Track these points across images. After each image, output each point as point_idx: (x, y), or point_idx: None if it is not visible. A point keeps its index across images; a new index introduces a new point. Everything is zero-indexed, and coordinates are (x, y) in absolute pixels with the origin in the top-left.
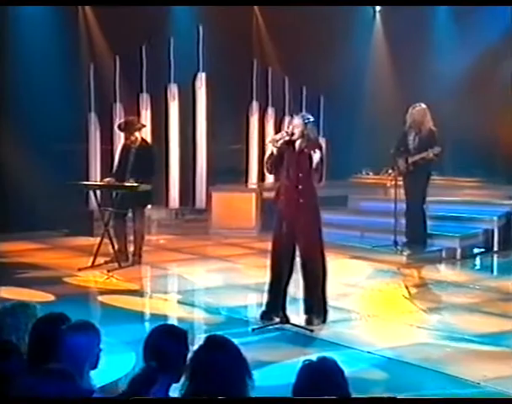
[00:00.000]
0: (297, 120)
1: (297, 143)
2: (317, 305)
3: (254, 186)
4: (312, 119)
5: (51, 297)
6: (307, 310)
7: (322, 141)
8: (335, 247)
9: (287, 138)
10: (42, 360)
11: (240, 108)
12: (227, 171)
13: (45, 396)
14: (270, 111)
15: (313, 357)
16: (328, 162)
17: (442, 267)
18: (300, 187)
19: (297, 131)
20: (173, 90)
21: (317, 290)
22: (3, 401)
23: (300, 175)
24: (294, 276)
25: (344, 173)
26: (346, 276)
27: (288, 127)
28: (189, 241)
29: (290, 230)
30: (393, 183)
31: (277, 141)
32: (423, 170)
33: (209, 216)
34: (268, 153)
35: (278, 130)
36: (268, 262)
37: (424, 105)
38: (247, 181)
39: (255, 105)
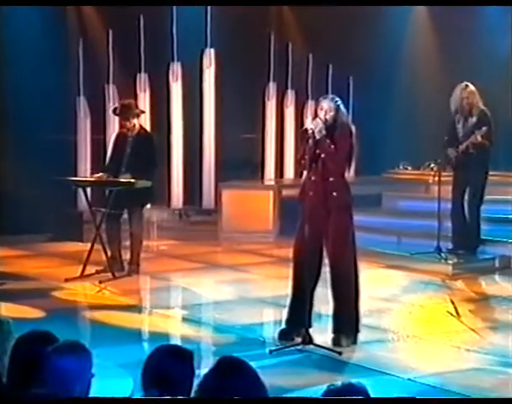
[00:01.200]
0: (327, 103)
1: (329, 129)
2: (347, 323)
3: (272, 182)
4: (340, 101)
5: (35, 313)
6: (336, 329)
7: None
8: (368, 255)
9: (324, 126)
10: (24, 386)
11: (255, 91)
12: (240, 165)
13: None
14: (290, 94)
15: (340, 382)
16: (358, 154)
17: (495, 278)
18: (331, 179)
19: (330, 117)
20: (177, 69)
21: (348, 305)
22: (3, 402)
23: (330, 166)
24: (320, 288)
25: (377, 168)
26: (381, 289)
27: (316, 113)
28: (196, 247)
29: (316, 232)
30: (436, 178)
31: (319, 132)
32: (479, 162)
33: (219, 218)
34: (302, 147)
35: (300, 116)
36: (289, 271)
37: (471, 85)
38: (263, 176)
39: (273, 87)
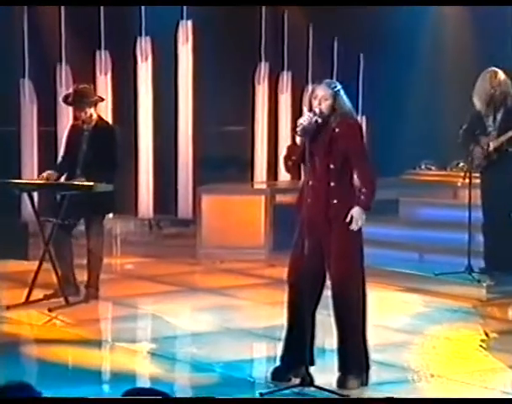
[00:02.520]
0: (322, 90)
1: (326, 121)
2: (354, 359)
3: (263, 186)
4: (339, 86)
5: None
6: (342, 367)
7: (362, 121)
8: (381, 275)
9: (318, 120)
10: None
11: (243, 73)
12: (224, 164)
13: None
14: (286, 77)
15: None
16: (369, 151)
17: None
18: (332, 184)
19: (325, 106)
20: (145, 46)
21: (356, 337)
22: (3, 402)
23: (332, 167)
24: (324, 316)
25: (393, 168)
26: (398, 317)
27: (310, 102)
28: (169, 265)
29: (317, 248)
30: (467, 181)
31: (307, 129)
32: None
33: (197, 230)
34: (289, 146)
35: (298, 103)
36: (284, 296)
37: (500, 71)
38: (252, 179)
39: (264, 68)
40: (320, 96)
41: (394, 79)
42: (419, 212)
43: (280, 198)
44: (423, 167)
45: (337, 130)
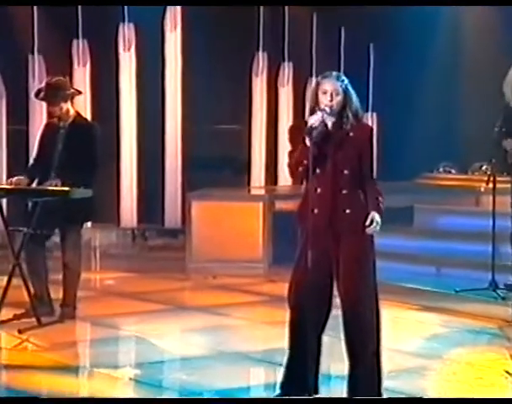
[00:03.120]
0: (332, 84)
1: (336, 120)
2: (366, 387)
3: (261, 191)
4: (347, 80)
5: None
6: (351, 393)
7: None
8: (394, 291)
9: (331, 119)
10: None
11: (238, 64)
12: (218, 167)
13: None
14: (287, 69)
15: None
16: (379, 152)
17: None
18: (345, 192)
19: (337, 102)
20: (128, 34)
21: (368, 363)
22: (3, 402)
23: (345, 173)
24: (329, 337)
25: (407, 171)
26: (413, 339)
27: (316, 97)
28: (155, 281)
29: (324, 262)
30: (491, 185)
31: (316, 128)
32: None
33: (187, 241)
34: (300, 148)
35: (301, 98)
36: (285, 315)
37: None
38: (249, 183)
39: (262, 59)
40: (331, 90)
41: (407, 72)
42: (437, 220)
43: (280, 205)
44: (441, 170)
45: (351, 133)
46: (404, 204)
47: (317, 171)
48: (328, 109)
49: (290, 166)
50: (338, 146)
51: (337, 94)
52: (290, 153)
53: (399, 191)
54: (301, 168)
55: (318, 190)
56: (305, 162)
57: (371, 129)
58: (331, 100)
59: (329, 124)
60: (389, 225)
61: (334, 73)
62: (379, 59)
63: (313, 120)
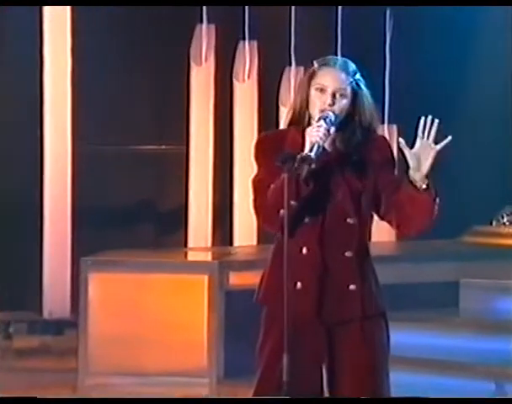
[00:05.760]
0: (337, 78)
1: (336, 137)
2: None
3: (206, 256)
4: (358, 71)
5: None
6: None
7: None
8: None
9: (330, 131)
10: None
11: (168, 46)
12: (132, 216)
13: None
14: (249, 50)
15: None
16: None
17: None
18: (348, 254)
19: (341, 107)
20: None
21: None
22: (3, 401)
23: (350, 222)
24: None
25: (450, 222)
26: None
27: (307, 99)
28: None
29: (310, 373)
30: None
31: (317, 152)
32: None
33: (80, 340)
34: (279, 183)
35: (270, 99)
36: None
37: None
38: (186, 243)
39: (207, 35)
40: (332, 88)
41: (446, 71)
42: (498, 304)
43: (237, 278)
44: (505, 220)
45: (360, 156)
46: (445, 279)
47: (306, 220)
48: (332, 116)
49: (258, 206)
50: (341, 179)
51: (342, 95)
52: (257, 182)
53: (437, 257)
54: (282, 212)
55: (304, 251)
56: (292, 202)
57: (391, 149)
58: (332, 103)
59: (326, 144)
60: (420, 311)
61: (340, 60)
62: (401, 37)
63: (315, 135)
